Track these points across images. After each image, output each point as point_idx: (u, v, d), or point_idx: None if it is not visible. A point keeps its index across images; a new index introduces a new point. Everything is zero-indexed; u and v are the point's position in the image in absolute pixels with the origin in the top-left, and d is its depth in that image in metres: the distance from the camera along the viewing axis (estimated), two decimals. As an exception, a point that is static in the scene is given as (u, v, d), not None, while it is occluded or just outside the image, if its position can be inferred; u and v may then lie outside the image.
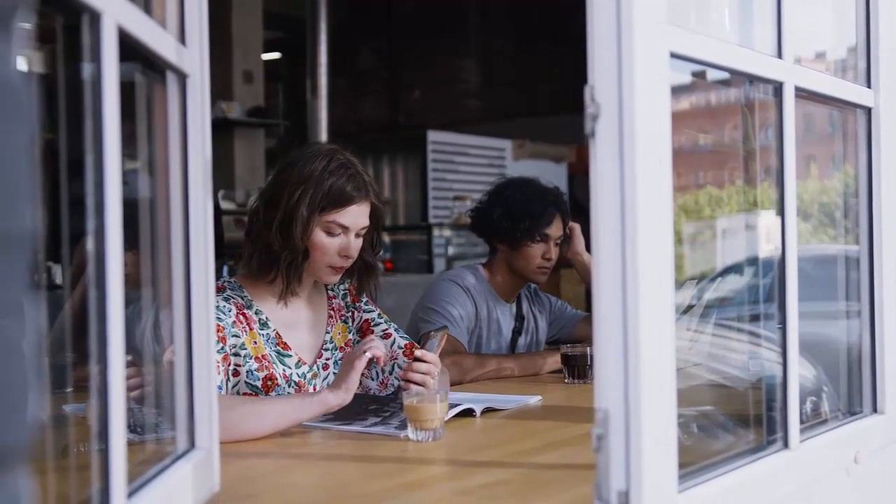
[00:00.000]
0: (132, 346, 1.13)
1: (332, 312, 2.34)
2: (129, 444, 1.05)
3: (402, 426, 1.89)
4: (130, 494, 1.07)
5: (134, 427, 1.31)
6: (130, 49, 1.09)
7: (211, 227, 1.39)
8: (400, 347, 2.31)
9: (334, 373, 2.26)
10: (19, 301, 0.56)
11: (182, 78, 1.33)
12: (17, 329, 0.55)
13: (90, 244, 0.99)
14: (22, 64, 0.59)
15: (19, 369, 0.56)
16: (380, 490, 1.51)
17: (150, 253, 1.36)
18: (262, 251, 2.16)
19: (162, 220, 1.34)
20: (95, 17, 0.97)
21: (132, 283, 1.18)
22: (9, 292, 0.55)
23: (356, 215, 2.16)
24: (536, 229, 2.94)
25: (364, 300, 2.39)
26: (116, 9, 1.01)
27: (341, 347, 2.32)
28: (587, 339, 2.92)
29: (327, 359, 2.29)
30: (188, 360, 1.36)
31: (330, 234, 2.15)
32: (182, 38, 1.33)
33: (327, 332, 2.30)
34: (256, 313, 2.19)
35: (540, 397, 2.34)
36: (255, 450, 1.81)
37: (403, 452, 1.77)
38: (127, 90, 1.06)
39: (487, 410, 2.14)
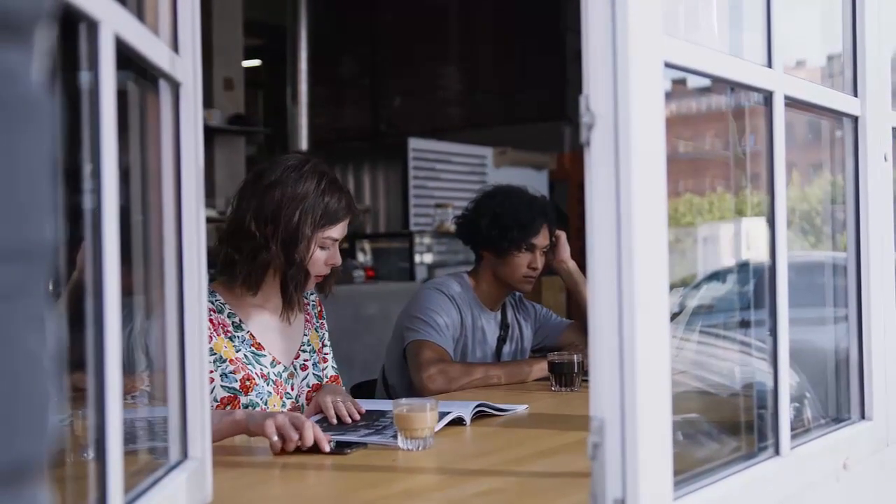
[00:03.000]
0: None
1: (307, 317, 2.41)
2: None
3: (388, 437, 1.89)
4: (126, 506, 1.06)
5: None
6: (125, 57, 1.09)
7: (203, 236, 1.38)
8: (327, 377, 2.40)
9: (313, 373, 2.35)
10: (41, 313, 0.56)
11: (175, 86, 1.32)
12: (39, 342, 0.55)
13: (88, 254, 0.98)
14: (43, 75, 0.59)
15: (41, 382, 0.55)
16: (373, 499, 1.51)
17: (141, 263, 1.35)
18: (260, 268, 2.21)
19: (154, 229, 1.34)
20: (93, 26, 0.97)
21: (122, 291, 1.17)
22: (30, 304, 0.55)
23: (344, 227, 2.29)
24: (524, 239, 2.93)
25: (324, 318, 2.49)
26: (114, 18, 1.00)
27: (318, 351, 2.40)
28: (572, 347, 2.92)
29: (305, 360, 2.36)
30: (181, 371, 1.35)
31: (323, 248, 2.25)
32: (175, 47, 1.32)
33: (305, 335, 2.38)
34: (229, 316, 2.24)
35: (527, 406, 2.34)
36: (247, 460, 1.80)
37: (394, 462, 1.77)
38: (119, 98, 1.05)
39: (479, 415, 2.15)
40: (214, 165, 7.43)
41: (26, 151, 0.56)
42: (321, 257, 2.25)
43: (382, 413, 2.15)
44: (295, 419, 1.81)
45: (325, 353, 2.45)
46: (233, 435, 1.89)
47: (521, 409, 2.32)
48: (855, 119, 1.81)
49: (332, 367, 2.46)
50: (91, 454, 1.06)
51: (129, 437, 1.36)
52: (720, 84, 1.57)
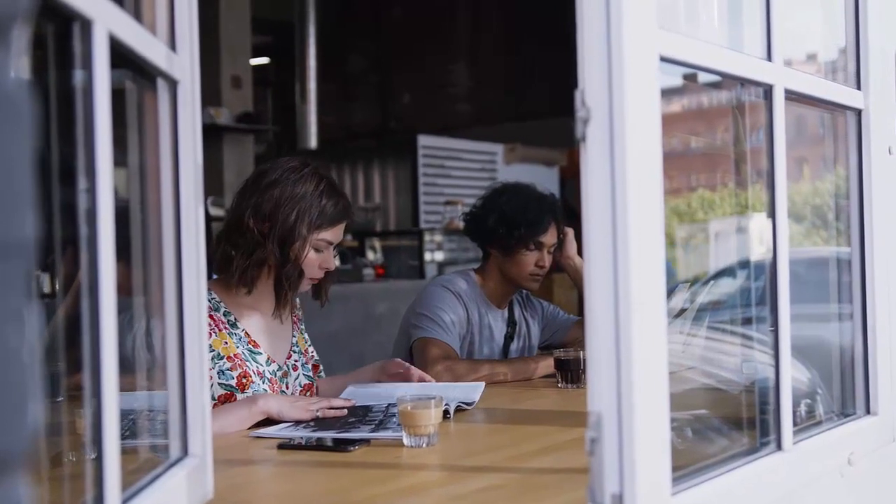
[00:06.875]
0: (123, 355, 1.13)
1: (295, 320, 2.46)
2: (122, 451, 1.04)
3: (399, 429, 1.88)
4: (124, 502, 1.07)
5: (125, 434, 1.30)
6: (120, 56, 1.09)
7: (202, 235, 1.38)
8: (300, 385, 2.39)
9: (304, 374, 2.40)
10: (19, 308, 0.56)
11: (173, 85, 1.32)
12: (18, 336, 0.56)
13: (83, 253, 0.98)
14: (20, 72, 0.60)
15: (20, 376, 0.56)
16: (375, 496, 1.51)
17: (140, 261, 1.35)
18: (256, 265, 2.24)
19: (153, 228, 1.34)
20: (87, 25, 0.97)
21: (122, 291, 1.18)
22: (9, 299, 0.55)
23: (339, 232, 2.32)
24: (531, 237, 2.93)
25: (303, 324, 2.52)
26: (108, 16, 1.01)
27: (304, 353, 2.44)
28: (580, 344, 2.92)
29: (295, 360, 2.40)
30: (181, 368, 1.35)
31: (317, 250, 2.28)
32: (172, 45, 1.32)
33: (293, 336, 2.42)
34: (225, 315, 2.27)
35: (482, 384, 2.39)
36: (248, 457, 1.80)
37: (397, 458, 1.77)
38: (116, 97, 1.06)
39: (459, 410, 2.19)
40: (223, 164, 7.44)
41: (4, 148, 0.56)
42: (315, 259, 2.28)
43: (367, 411, 2.15)
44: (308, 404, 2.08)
45: (312, 354, 2.49)
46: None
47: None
48: (858, 112, 1.80)
49: (305, 375, 2.44)
50: (90, 453, 1.06)
51: (131, 433, 1.37)
52: (728, 79, 1.56)
